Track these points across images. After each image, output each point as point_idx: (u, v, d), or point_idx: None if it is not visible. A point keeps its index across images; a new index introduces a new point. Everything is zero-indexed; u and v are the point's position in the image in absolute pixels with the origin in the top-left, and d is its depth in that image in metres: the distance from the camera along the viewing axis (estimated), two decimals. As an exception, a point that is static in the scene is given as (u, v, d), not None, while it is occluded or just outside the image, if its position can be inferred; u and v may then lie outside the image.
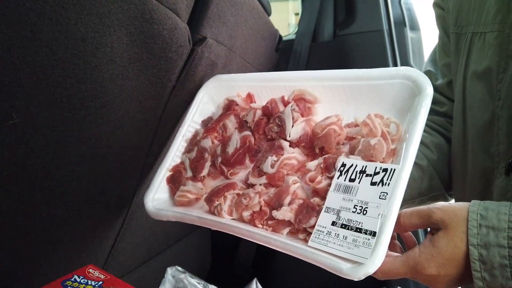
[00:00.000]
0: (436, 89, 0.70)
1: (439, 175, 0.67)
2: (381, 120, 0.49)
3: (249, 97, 0.63)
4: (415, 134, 0.44)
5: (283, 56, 1.22)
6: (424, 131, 0.70)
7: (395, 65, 1.15)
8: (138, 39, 0.50)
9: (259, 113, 0.59)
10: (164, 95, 0.61)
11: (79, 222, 0.58)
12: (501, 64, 0.53)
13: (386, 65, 1.14)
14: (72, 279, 0.46)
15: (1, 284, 0.50)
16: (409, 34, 1.21)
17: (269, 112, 0.58)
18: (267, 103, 0.58)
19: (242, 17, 0.77)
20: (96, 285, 0.46)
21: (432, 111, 0.72)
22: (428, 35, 1.28)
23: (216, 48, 0.68)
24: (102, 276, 0.48)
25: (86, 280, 0.46)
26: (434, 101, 0.71)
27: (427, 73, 0.73)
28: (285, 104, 0.56)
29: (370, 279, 0.43)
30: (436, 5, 0.69)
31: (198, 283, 0.61)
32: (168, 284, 0.59)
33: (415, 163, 0.62)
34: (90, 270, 0.48)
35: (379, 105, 0.51)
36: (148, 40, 0.52)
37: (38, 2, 0.39)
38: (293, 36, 1.26)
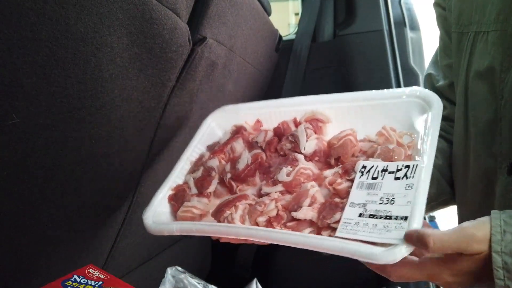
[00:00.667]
0: (437, 91, 0.69)
1: (446, 179, 0.67)
2: (394, 132, 0.49)
3: (258, 123, 0.62)
4: (430, 139, 0.45)
5: (283, 56, 1.22)
6: None
7: (395, 65, 1.15)
8: (138, 39, 0.50)
9: (270, 134, 0.58)
10: (164, 95, 0.61)
11: (79, 222, 0.58)
12: (504, 64, 0.53)
13: (386, 65, 1.14)
14: (72, 279, 0.46)
15: (1, 284, 0.50)
16: (409, 34, 1.21)
17: (280, 133, 0.57)
18: (278, 125, 0.58)
19: (242, 17, 0.77)
20: (96, 285, 0.46)
21: None
22: (428, 35, 1.28)
23: (216, 48, 0.68)
24: (102, 276, 0.48)
25: (86, 280, 0.46)
26: None
27: (428, 76, 0.72)
28: (297, 125, 0.56)
29: (369, 278, 0.42)
30: (437, 5, 0.69)
31: (198, 283, 0.60)
32: (168, 284, 0.59)
33: None
34: (90, 270, 0.48)
35: (389, 124, 0.52)
36: (148, 40, 0.52)
37: (38, 2, 0.39)
38: (293, 36, 1.26)
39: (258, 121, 0.62)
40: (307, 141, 0.53)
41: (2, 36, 0.37)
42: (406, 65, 1.19)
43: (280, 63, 1.21)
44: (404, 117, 0.50)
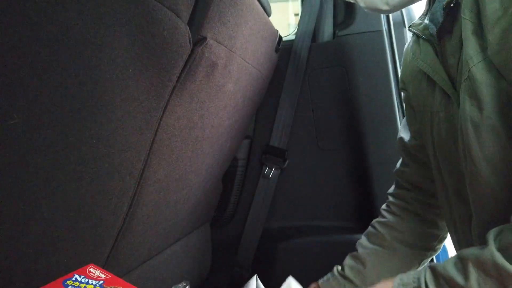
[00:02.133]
0: (407, 149, 0.78)
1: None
2: None
3: None
4: None
5: (283, 56, 1.22)
6: (393, 213, 0.82)
7: (394, 65, 1.15)
8: (138, 39, 0.51)
9: None
10: (165, 95, 0.62)
11: (79, 222, 0.59)
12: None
13: (385, 65, 1.14)
14: (73, 279, 0.46)
15: (1, 284, 0.50)
16: (409, 34, 1.21)
17: None
18: None
19: (242, 18, 0.77)
20: (97, 285, 0.46)
21: (398, 188, 0.84)
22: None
23: (216, 48, 0.68)
24: (103, 276, 0.48)
25: (87, 280, 0.47)
26: (400, 172, 0.82)
27: (400, 139, 0.80)
28: None
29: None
30: (402, 88, 0.77)
31: None
32: None
33: (395, 253, 0.80)
34: (91, 269, 0.48)
35: None
36: (149, 40, 0.52)
37: (39, 2, 0.39)
38: (293, 37, 1.27)
39: None
40: None
41: (3, 36, 0.37)
42: (406, 65, 1.19)
43: (280, 63, 1.22)
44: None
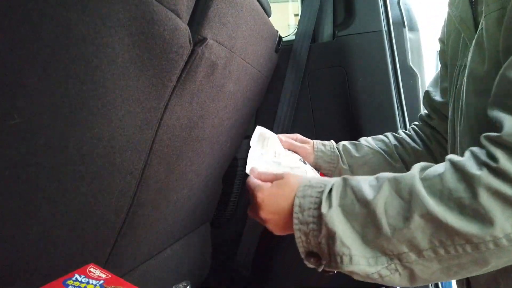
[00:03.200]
0: (432, 103, 0.81)
1: None
2: None
3: None
4: None
5: (283, 56, 1.22)
6: (411, 137, 0.84)
7: (394, 65, 1.16)
8: (139, 40, 0.51)
9: None
10: (165, 95, 0.62)
11: (80, 221, 0.59)
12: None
13: (385, 65, 1.14)
14: (73, 278, 0.46)
15: (1, 284, 0.50)
16: (408, 34, 1.22)
17: None
18: None
19: (242, 18, 0.78)
20: (97, 284, 0.46)
21: (423, 122, 0.86)
22: (426, 36, 1.29)
23: (216, 48, 0.68)
24: (103, 275, 0.48)
25: (87, 279, 0.47)
26: (427, 115, 0.85)
27: (426, 92, 0.83)
28: None
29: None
30: (440, 40, 0.78)
31: None
32: None
33: (389, 163, 0.81)
34: (91, 269, 0.49)
35: None
36: (149, 41, 0.52)
37: (40, 3, 0.39)
38: (292, 37, 1.27)
39: None
40: None
41: (4, 36, 0.37)
42: (405, 65, 1.20)
43: (280, 63, 1.22)
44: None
